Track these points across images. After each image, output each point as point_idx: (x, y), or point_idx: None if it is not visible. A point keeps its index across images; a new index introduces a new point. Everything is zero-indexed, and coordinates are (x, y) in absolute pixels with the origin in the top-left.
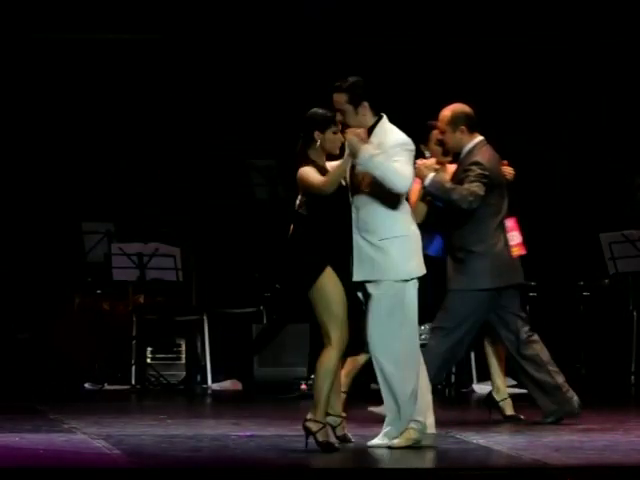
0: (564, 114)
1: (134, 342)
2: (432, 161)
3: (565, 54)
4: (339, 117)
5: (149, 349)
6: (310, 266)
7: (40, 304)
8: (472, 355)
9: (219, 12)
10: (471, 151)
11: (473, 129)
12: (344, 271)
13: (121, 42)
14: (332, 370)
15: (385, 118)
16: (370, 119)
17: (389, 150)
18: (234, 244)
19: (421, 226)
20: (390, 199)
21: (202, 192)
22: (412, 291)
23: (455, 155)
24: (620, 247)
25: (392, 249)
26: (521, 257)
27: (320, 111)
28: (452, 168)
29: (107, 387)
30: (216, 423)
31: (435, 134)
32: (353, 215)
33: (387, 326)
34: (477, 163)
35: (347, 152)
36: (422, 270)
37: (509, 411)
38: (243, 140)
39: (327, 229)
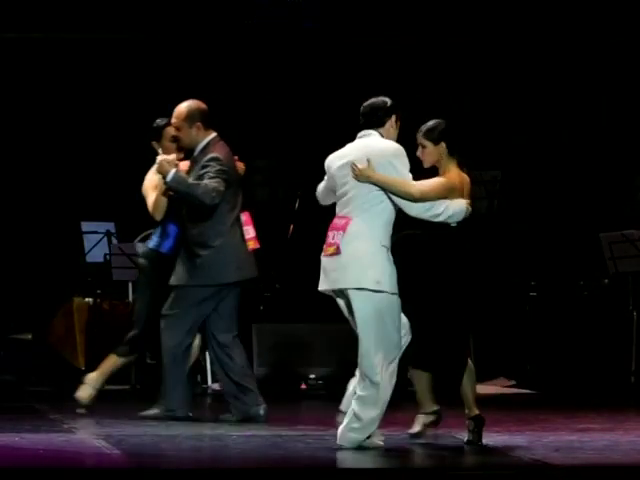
0: (564, 114)
1: None
2: (173, 157)
3: (565, 54)
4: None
5: None
6: None
7: (40, 304)
8: (472, 355)
9: (219, 12)
10: (206, 147)
11: (208, 125)
12: None
13: (121, 42)
14: None
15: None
16: None
17: None
18: None
19: (161, 222)
20: None
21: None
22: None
23: (187, 152)
24: (620, 247)
25: None
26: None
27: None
28: (183, 165)
29: (107, 387)
30: (216, 423)
31: (169, 131)
32: None
33: None
34: (216, 159)
35: None
36: None
37: (83, 397)
38: (243, 140)
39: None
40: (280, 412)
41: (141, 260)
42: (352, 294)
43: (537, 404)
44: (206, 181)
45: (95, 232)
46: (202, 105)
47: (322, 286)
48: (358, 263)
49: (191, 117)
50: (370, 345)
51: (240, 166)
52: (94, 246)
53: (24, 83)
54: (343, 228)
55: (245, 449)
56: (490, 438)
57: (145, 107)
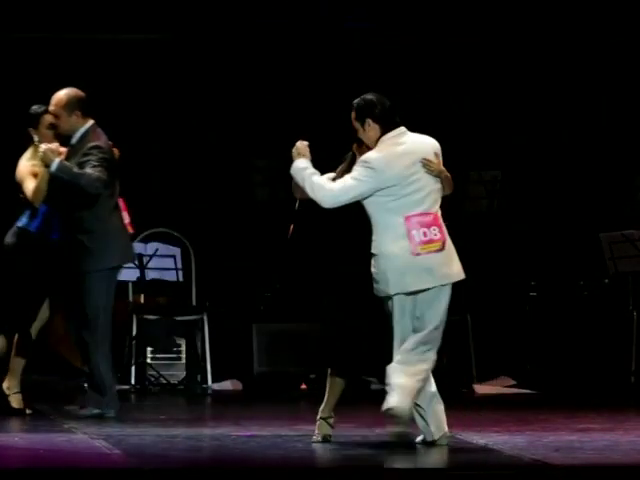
0: (564, 114)
1: (134, 342)
2: (56, 145)
3: (565, 54)
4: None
5: (149, 349)
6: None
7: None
8: (472, 355)
9: (220, 12)
10: (85, 135)
11: (87, 113)
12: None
13: (121, 42)
14: None
15: (393, 133)
16: (376, 134)
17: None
18: (234, 244)
19: (29, 205)
20: (373, 216)
21: (202, 192)
22: (386, 306)
23: (63, 139)
24: (620, 247)
25: (371, 266)
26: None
27: None
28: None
29: None
30: (216, 423)
31: (47, 118)
32: None
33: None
34: (97, 147)
35: None
36: (387, 291)
37: (15, 404)
38: (243, 140)
39: (330, 235)
40: (280, 412)
41: (8, 240)
42: (446, 288)
43: (537, 404)
44: (89, 170)
45: None
46: (80, 93)
47: (427, 284)
48: (455, 256)
49: (70, 105)
50: (437, 342)
51: (116, 152)
52: None
53: (25, 83)
54: (436, 223)
55: (245, 449)
56: (490, 438)
57: (144, 107)
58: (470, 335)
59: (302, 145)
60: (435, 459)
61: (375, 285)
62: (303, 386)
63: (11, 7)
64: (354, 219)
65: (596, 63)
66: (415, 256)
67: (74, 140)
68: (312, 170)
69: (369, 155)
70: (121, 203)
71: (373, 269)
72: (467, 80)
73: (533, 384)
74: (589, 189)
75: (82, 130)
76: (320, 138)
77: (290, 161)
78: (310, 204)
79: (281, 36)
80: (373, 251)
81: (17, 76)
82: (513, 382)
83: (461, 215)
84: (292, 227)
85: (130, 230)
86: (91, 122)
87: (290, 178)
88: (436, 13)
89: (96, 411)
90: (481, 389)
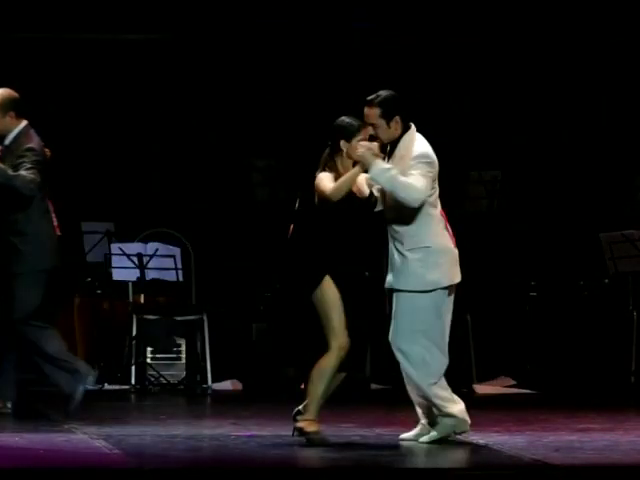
0: (564, 114)
1: (134, 342)
2: None
3: (565, 54)
4: (371, 131)
5: (149, 349)
6: (312, 271)
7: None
8: (472, 355)
9: (220, 12)
10: (19, 136)
11: (20, 114)
12: (343, 278)
13: (121, 42)
14: (329, 373)
15: (412, 129)
16: (399, 131)
17: (410, 162)
18: (234, 244)
19: None
20: (414, 210)
21: (202, 192)
22: (430, 301)
23: None
24: (620, 247)
25: (413, 259)
26: None
27: (347, 120)
28: None
29: (107, 387)
30: (216, 423)
31: None
32: (387, 225)
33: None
34: (31, 149)
35: (359, 164)
36: (443, 282)
37: None
38: (243, 140)
39: (329, 235)
40: (280, 412)
41: None
42: None
43: (537, 404)
44: (24, 172)
45: (95, 232)
46: (15, 94)
47: (460, 277)
48: None
49: (4, 106)
50: None
51: (47, 153)
52: (94, 246)
53: (25, 82)
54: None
55: (245, 449)
56: (490, 438)
57: (145, 107)
58: (470, 335)
59: (375, 145)
60: (435, 459)
61: (416, 278)
62: (303, 386)
63: (11, 7)
64: (353, 219)
65: (596, 63)
66: (455, 249)
67: (7, 141)
68: (396, 170)
69: (423, 151)
70: (51, 206)
71: (418, 262)
72: (467, 80)
73: (533, 384)
74: (589, 189)
75: (15, 131)
76: (320, 138)
77: (290, 161)
78: (310, 205)
79: (281, 36)
80: (419, 245)
81: (17, 76)
82: (513, 382)
83: (461, 215)
84: (292, 227)
85: (56, 232)
86: (24, 123)
87: (290, 178)
88: (436, 13)
89: (80, 388)
90: (481, 389)
